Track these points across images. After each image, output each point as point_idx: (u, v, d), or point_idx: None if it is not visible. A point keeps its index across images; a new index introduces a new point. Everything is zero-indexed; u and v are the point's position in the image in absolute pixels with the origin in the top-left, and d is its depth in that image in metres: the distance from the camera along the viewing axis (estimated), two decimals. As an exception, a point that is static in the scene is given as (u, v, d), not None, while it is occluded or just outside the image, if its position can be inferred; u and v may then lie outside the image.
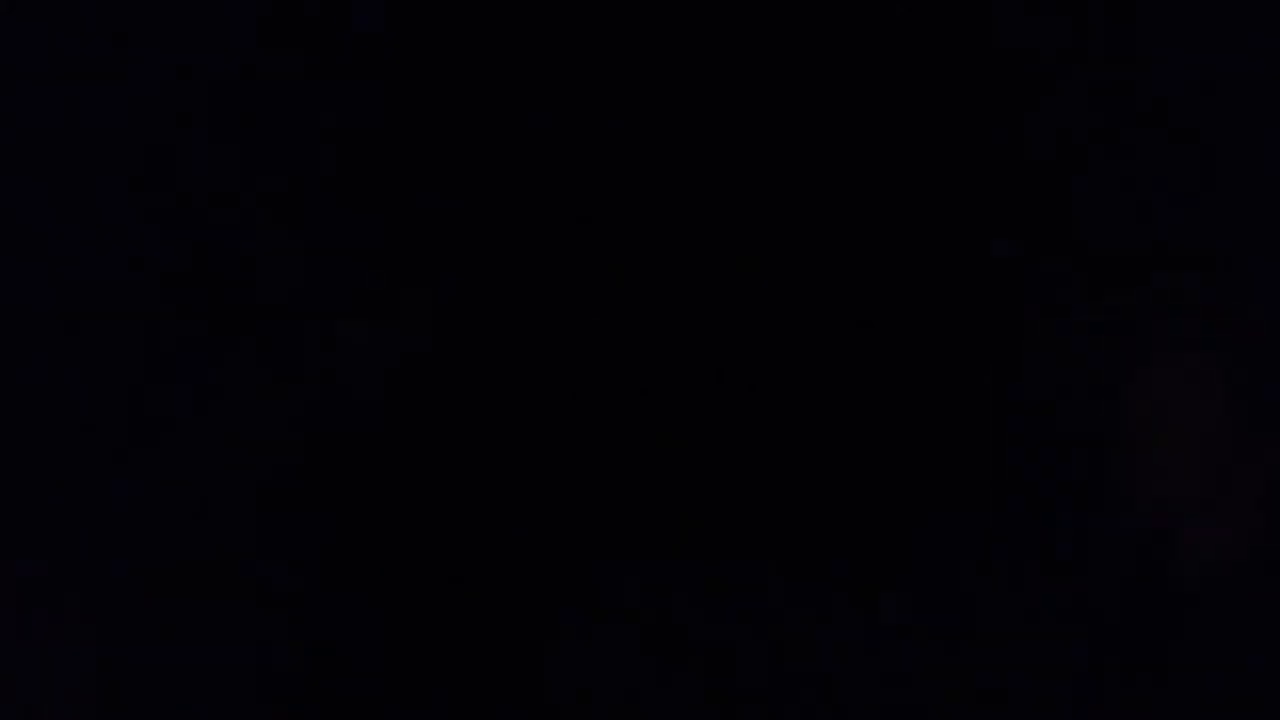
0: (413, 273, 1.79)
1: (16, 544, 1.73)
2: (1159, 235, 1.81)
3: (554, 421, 1.78)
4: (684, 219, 1.81)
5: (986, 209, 1.81)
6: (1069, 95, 1.82)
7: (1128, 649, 1.75)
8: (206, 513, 1.74)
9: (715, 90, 1.81)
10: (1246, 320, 1.79)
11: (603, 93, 1.81)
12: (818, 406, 1.78)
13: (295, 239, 1.78)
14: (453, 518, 1.76)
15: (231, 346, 1.77)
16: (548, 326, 1.79)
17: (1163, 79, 1.81)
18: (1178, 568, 1.77)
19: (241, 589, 1.73)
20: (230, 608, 1.73)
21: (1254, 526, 1.78)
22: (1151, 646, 1.76)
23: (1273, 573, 1.76)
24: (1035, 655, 1.74)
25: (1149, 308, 1.80)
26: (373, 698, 1.73)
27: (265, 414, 1.76)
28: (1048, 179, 1.82)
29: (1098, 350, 1.80)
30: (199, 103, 1.78)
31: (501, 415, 1.78)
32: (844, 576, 1.75)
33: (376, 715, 1.73)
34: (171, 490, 1.74)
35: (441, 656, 1.74)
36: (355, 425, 1.76)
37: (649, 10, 1.80)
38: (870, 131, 1.82)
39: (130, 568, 1.73)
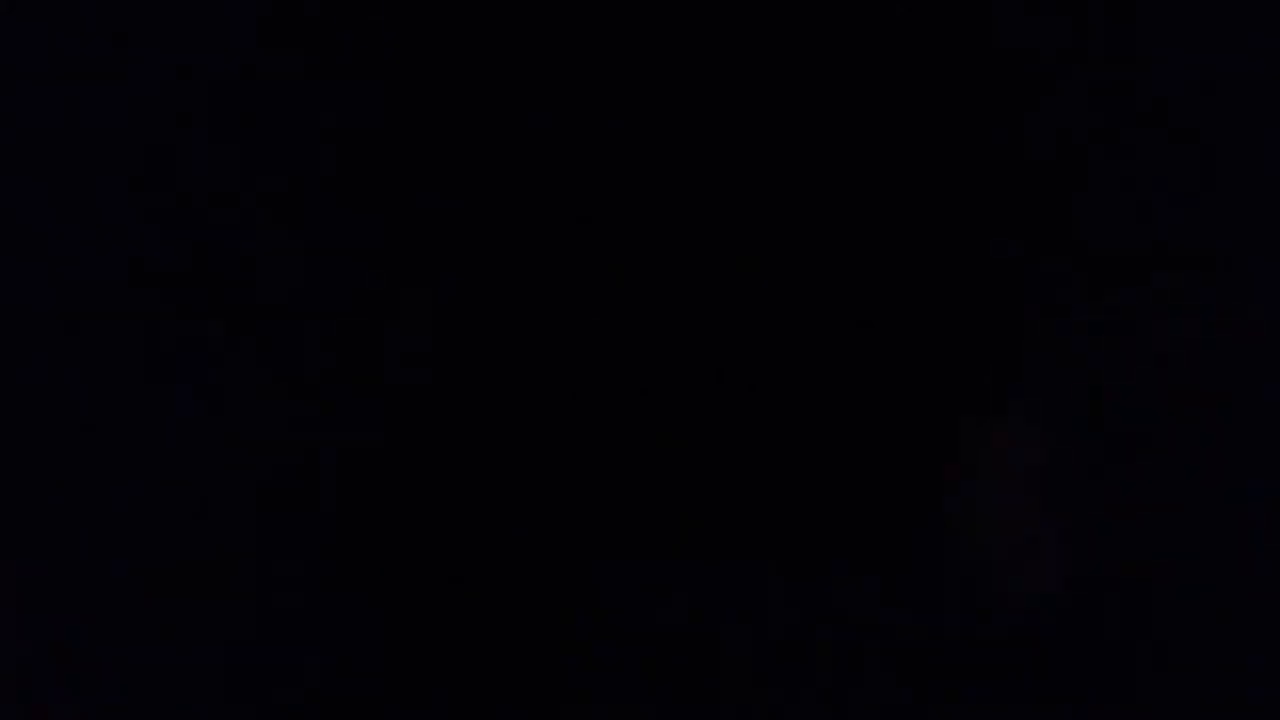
0: (413, 273, 1.79)
1: (16, 544, 1.73)
2: (1159, 235, 1.81)
3: (552, 421, 1.78)
4: (683, 219, 1.81)
5: (983, 208, 1.81)
6: (1069, 95, 1.82)
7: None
8: (206, 513, 1.74)
9: (715, 91, 1.81)
10: (1247, 320, 1.79)
11: (603, 93, 1.81)
12: (814, 407, 1.78)
13: (295, 239, 1.78)
14: (452, 518, 1.76)
15: (232, 346, 1.77)
16: (548, 326, 1.79)
17: (1163, 79, 1.81)
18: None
19: (242, 590, 1.73)
20: (231, 608, 1.73)
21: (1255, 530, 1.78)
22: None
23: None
24: (1035, 652, 1.74)
25: (1148, 307, 1.80)
26: (372, 698, 1.73)
27: (265, 414, 1.76)
28: (1047, 179, 1.82)
29: (1098, 350, 1.80)
30: (199, 103, 1.78)
31: (501, 415, 1.78)
32: (839, 574, 1.75)
33: (375, 715, 1.73)
34: (171, 490, 1.74)
35: (440, 656, 1.74)
36: (355, 425, 1.76)
37: (648, 10, 1.80)
38: (868, 130, 1.82)
39: (130, 568, 1.73)
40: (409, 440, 1.77)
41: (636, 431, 1.78)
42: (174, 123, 1.78)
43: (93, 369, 1.75)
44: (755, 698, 1.73)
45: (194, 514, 1.74)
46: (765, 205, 1.81)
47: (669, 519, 1.77)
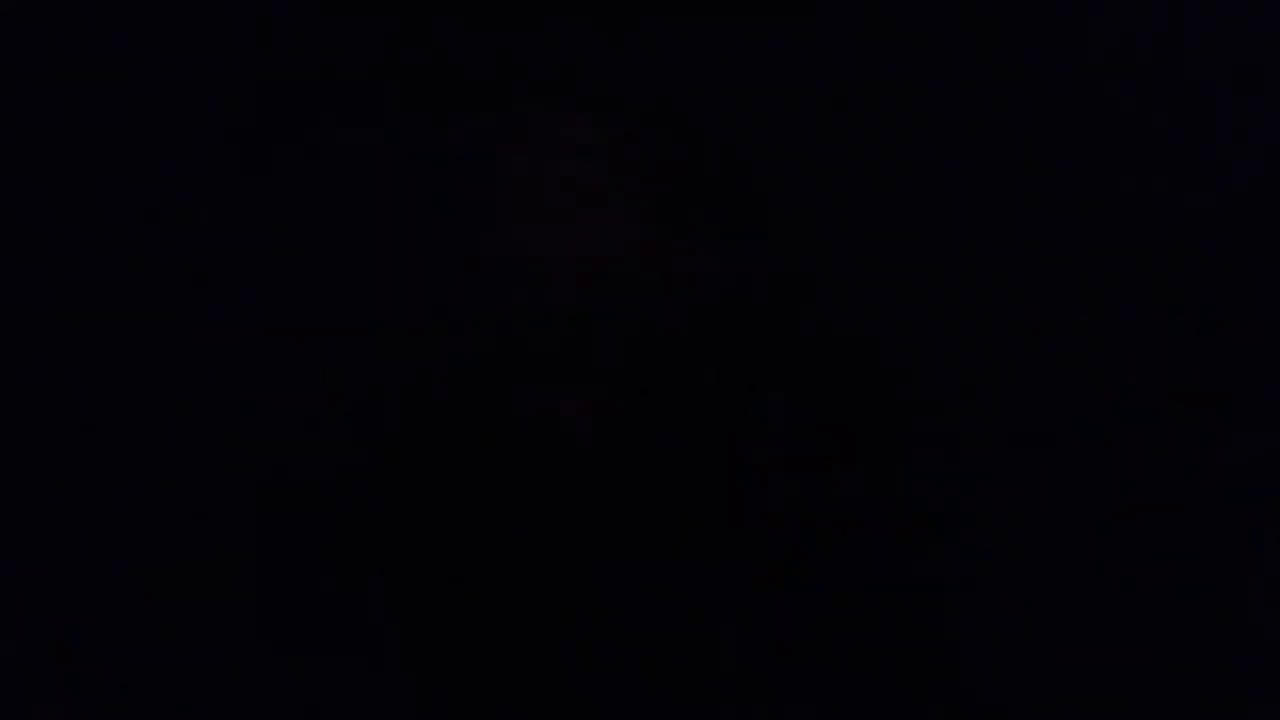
0: (412, 272, 1.79)
1: (16, 544, 1.73)
2: (1159, 235, 1.81)
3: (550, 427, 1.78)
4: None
5: (978, 207, 1.82)
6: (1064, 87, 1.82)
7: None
8: (207, 514, 1.75)
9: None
10: (1247, 320, 1.80)
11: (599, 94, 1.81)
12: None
13: (294, 239, 1.78)
14: (452, 520, 1.77)
15: (232, 346, 1.77)
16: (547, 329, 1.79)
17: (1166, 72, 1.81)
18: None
19: (242, 590, 1.74)
20: (233, 608, 1.74)
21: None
22: None
23: None
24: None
25: (1145, 303, 1.80)
26: (372, 698, 1.73)
27: (265, 415, 1.76)
28: (1045, 174, 1.82)
29: (1096, 351, 1.80)
30: (199, 103, 1.79)
31: (497, 420, 1.78)
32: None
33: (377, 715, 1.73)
34: (172, 491, 1.75)
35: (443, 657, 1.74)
36: (354, 426, 1.77)
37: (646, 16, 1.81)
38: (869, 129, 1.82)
39: (130, 568, 1.73)
40: (406, 440, 1.77)
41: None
42: (174, 123, 1.79)
43: (93, 369, 1.76)
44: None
45: (195, 515, 1.74)
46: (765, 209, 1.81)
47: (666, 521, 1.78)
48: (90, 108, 1.77)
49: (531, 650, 1.74)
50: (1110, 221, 1.81)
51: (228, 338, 1.76)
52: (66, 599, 1.72)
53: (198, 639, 1.73)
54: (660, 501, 1.70)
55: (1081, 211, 1.81)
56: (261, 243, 1.77)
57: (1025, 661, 1.74)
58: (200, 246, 1.77)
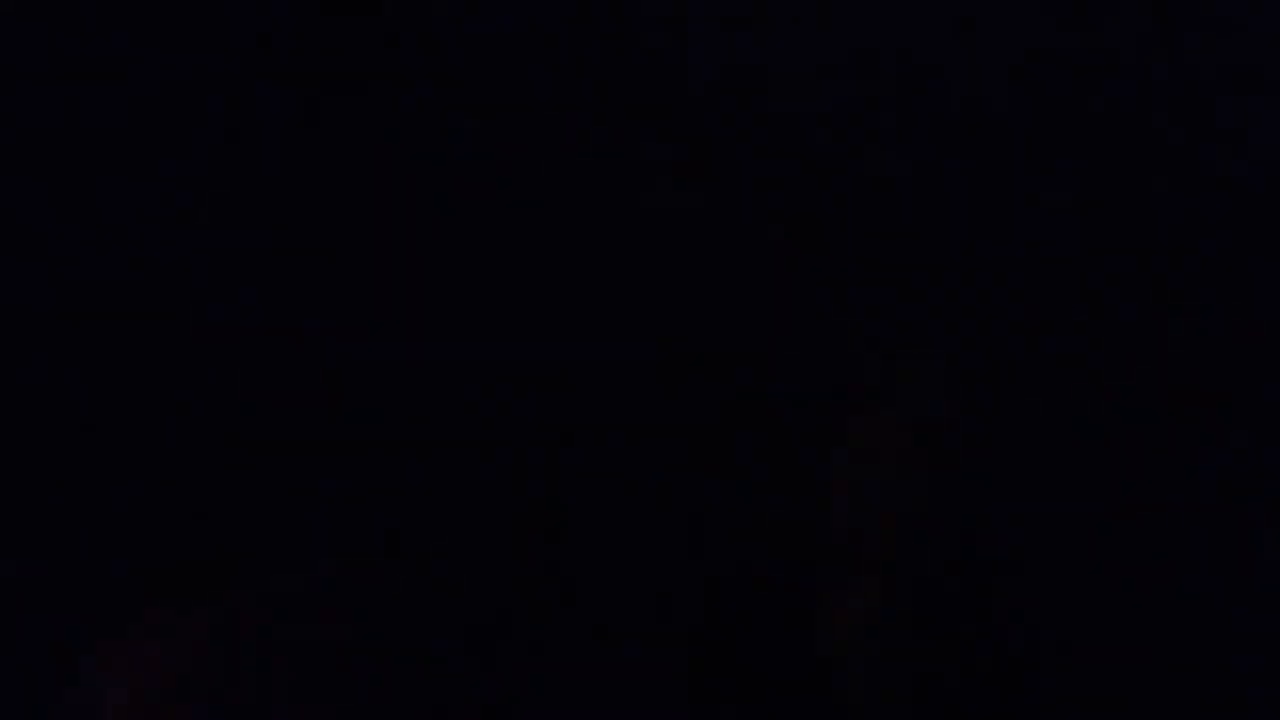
0: (410, 272, 1.79)
1: (16, 544, 1.73)
2: (1160, 236, 1.81)
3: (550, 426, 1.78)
4: (682, 229, 1.81)
5: (981, 210, 1.82)
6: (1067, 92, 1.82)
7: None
8: (205, 512, 1.75)
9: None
10: (1247, 320, 1.80)
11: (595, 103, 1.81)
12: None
13: (294, 239, 1.78)
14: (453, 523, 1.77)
15: (231, 346, 1.77)
16: (549, 332, 1.79)
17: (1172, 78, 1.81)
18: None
19: (242, 589, 1.74)
20: (233, 608, 1.74)
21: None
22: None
23: None
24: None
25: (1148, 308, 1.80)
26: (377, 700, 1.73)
27: (263, 413, 1.76)
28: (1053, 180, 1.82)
29: (1097, 351, 1.81)
30: (199, 103, 1.79)
31: (496, 418, 1.79)
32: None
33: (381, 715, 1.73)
34: (171, 489, 1.75)
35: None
36: (351, 424, 1.77)
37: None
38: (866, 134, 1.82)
39: (130, 568, 1.73)
40: (402, 438, 1.77)
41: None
42: (174, 123, 1.79)
43: (93, 369, 1.76)
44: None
45: (193, 513, 1.74)
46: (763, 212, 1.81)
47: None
48: (90, 108, 1.77)
49: None
50: (1110, 222, 1.81)
51: (227, 337, 1.76)
52: (66, 598, 1.73)
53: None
54: None
55: (1082, 212, 1.81)
56: (261, 243, 1.77)
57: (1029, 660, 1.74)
58: (200, 246, 1.77)
